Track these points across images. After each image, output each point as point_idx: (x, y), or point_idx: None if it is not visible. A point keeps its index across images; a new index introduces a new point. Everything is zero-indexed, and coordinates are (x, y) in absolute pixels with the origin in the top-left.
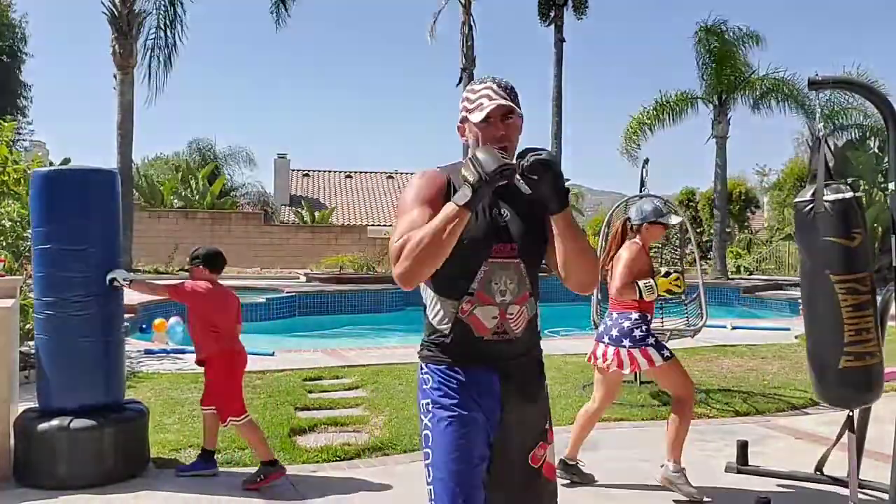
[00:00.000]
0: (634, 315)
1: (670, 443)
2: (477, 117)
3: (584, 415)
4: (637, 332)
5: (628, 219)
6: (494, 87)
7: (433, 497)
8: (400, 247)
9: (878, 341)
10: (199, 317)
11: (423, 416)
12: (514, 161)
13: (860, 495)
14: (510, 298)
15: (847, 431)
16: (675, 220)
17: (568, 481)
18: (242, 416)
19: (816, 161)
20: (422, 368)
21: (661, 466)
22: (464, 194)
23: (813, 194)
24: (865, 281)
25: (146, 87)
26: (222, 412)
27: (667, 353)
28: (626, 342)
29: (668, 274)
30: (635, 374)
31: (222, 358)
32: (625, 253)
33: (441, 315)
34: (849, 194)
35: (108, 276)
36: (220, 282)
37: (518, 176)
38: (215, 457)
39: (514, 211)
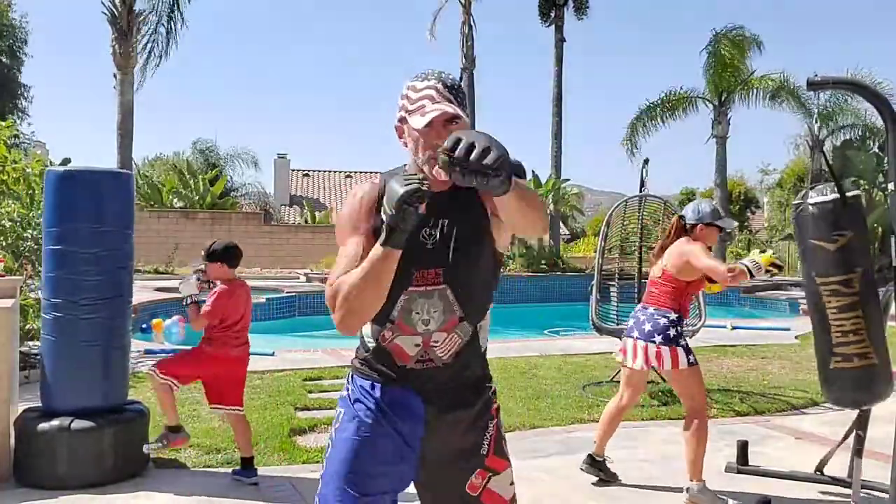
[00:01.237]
0: (673, 315)
1: (690, 462)
2: (418, 122)
3: (611, 411)
4: (672, 331)
5: (682, 216)
6: (439, 86)
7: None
8: (332, 295)
9: (869, 343)
10: (224, 318)
11: (332, 426)
12: (420, 185)
13: (861, 495)
14: (434, 327)
15: (855, 432)
16: (731, 224)
17: (595, 479)
18: (243, 408)
19: (816, 162)
20: (347, 379)
21: (686, 490)
22: (383, 233)
23: (803, 197)
24: (850, 283)
25: (146, 86)
26: (227, 398)
27: (693, 360)
28: (658, 338)
29: (764, 251)
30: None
31: (241, 353)
32: (694, 248)
33: (367, 331)
34: (831, 197)
35: (186, 294)
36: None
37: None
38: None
39: (450, 225)
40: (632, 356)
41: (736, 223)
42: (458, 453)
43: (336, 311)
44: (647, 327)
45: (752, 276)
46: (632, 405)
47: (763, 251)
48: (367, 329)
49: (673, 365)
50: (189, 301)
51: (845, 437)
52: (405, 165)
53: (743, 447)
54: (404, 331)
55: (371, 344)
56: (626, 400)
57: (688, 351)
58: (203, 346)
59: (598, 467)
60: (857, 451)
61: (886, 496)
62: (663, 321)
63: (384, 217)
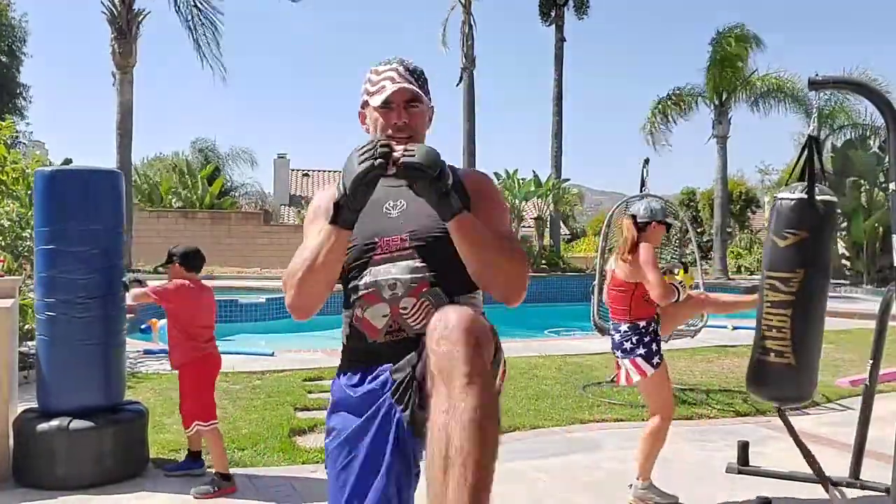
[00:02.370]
0: (624, 327)
1: (641, 460)
2: (377, 100)
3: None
4: (627, 344)
5: (634, 217)
6: (401, 69)
7: None
8: (284, 278)
9: (790, 343)
10: (179, 318)
11: (325, 440)
12: (373, 163)
13: (861, 495)
14: (402, 291)
15: (786, 425)
16: (675, 221)
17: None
18: (210, 423)
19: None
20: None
21: (630, 486)
22: (332, 210)
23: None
24: (789, 282)
25: (146, 86)
26: (188, 417)
27: (656, 362)
28: (618, 353)
29: (686, 269)
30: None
31: (198, 361)
32: (648, 256)
33: (343, 327)
34: (796, 195)
35: (126, 280)
36: (213, 281)
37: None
38: (202, 457)
39: (412, 197)
40: (617, 375)
41: (677, 221)
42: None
43: (287, 292)
44: (610, 345)
45: (678, 296)
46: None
47: (686, 267)
48: (343, 323)
49: (640, 375)
50: (126, 281)
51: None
52: None
53: (743, 447)
54: (370, 300)
55: (345, 333)
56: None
57: (648, 356)
58: (185, 373)
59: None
60: (858, 451)
61: (886, 496)
62: (617, 337)
63: (336, 193)
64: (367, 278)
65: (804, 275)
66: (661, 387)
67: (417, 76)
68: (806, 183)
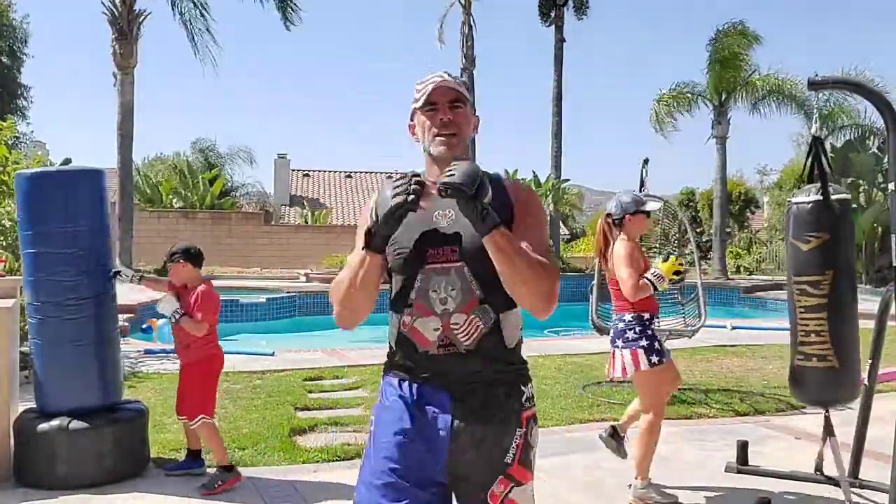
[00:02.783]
0: (628, 316)
1: (639, 461)
2: (422, 102)
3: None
4: (630, 333)
5: (609, 215)
6: (444, 75)
7: None
8: (331, 292)
9: (830, 346)
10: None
11: (369, 428)
12: (406, 198)
13: (861, 495)
14: (453, 307)
15: (825, 433)
16: (654, 205)
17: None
18: (212, 417)
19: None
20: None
21: (629, 486)
22: (365, 237)
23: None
24: (819, 284)
25: (147, 86)
26: (195, 410)
27: (656, 360)
28: (619, 342)
29: (667, 257)
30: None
31: (211, 358)
32: (620, 251)
33: (390, 329)
34: (812, 198)
35: (113, 270)
36: (214, 281)
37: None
38: (202, 456)
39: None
40: (610, 366)
41: (660, 203)
42: (483, 457)
43: (334, 307)
44: (612, 333)
45: (655, 288)
46: (659, 418)
47: (666, 259)
48: (390, 328)
49: (635, 367)
50: (177, 316)
51: (824, 438)
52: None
53: (743, 447)
54: (422, 312)
55: (394, 338)
56: (652, 416)
57: (650, 351)
58: (195, 370)
59: (616, 441)
60: (857, 451)
61: (886, 496)
62: (620, 325)
63: (370, 221)
64: (418, 289)
65: (833, 276)
66: (658, 385)
67: (461, 82)
68: (819, 185)
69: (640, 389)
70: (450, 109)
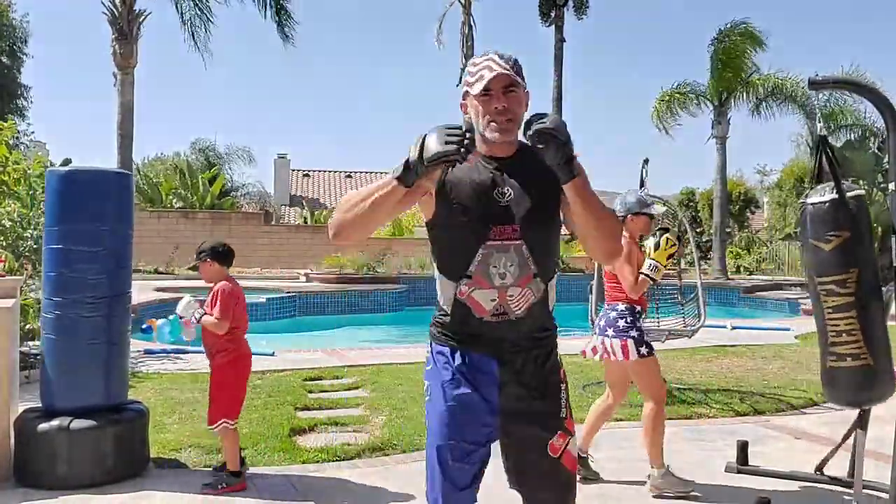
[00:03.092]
0: (621, 306)
1: (650, 450)
2: (477, 89)
3: (598, 409)
4: (621, 322)
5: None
6: (496, 58)
7: (426, 465)
8: (340, 203)
9: (863, 344)
10: (233, 319)
11: (424, 398)
12: (457, 151)
13: (860, 494)
14: (511, 281)
15: (857, 431)
16: (658, 209)
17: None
18: (234, 421)
19: (816, 161)
20: (428, 347)
21: (648, 477)
22: (397, 168)
23: (806, 196)
24: (845, 283)
25: (147, 86)
26: (216, 413)
27: (644, 352)
28: (610, 332)
29: (657, 245)
30: None
31: (242, 358)
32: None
33: (443, 294)
34: (828, 197)
35: (190, 315)
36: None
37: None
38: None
39: (520, 187)
40: (591, 350)
41: (663, 208)
42: (537, 415)
43: (334, 215)
44: (602, 322)
45: (654, 280)
46: (618, 404)
47: (657, 245)
48: (442, 292)
49: (623, 356)
50: (197, 316)
51: (846, 437)
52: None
53: (743, 447)
54: (481, 285)
55: (449, 303)
56: (611, 399)
57: (639, 342)
58: (226, 372)
59: (581, 464)
60: (859, 450)
61: (886, 496)
62: (613, 314)
63: (409, 153)
64: (479, 262)
65: (858, 273)
66: (653, 373)
67: (513, 64)
68: (833, 184)
69: (637, 380)
70: (504, 96)
